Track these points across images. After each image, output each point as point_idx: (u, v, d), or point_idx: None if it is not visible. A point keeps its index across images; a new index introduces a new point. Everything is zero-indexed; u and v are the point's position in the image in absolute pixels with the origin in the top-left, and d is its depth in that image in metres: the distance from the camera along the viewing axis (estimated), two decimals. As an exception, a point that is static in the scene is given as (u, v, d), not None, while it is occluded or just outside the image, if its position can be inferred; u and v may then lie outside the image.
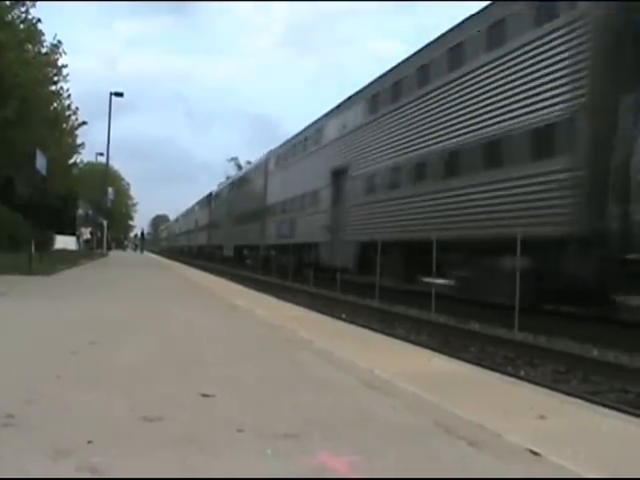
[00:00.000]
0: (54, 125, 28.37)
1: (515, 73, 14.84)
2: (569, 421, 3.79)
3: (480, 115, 16.19)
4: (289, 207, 32.94)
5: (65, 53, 26.95)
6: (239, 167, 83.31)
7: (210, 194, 64.66)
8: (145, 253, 66.33)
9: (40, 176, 19.35)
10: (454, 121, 17.45)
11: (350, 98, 26.16)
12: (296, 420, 3.41)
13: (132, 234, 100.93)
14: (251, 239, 40.70)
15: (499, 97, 15.45)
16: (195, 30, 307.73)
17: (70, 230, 46.44)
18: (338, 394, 4.16)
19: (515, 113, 14.75)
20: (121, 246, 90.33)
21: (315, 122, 31.03)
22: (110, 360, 5.10)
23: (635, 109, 11.92)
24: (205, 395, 3.87)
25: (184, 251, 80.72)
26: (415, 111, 19.96)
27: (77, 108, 32.25)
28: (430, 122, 18.88)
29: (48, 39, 26.25)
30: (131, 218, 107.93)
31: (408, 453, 2.95)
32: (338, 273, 23.29)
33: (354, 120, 25.05)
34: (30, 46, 25.09)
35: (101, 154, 51.31)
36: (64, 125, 31.47)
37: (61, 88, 29.29)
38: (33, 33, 25.08)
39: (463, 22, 17.54)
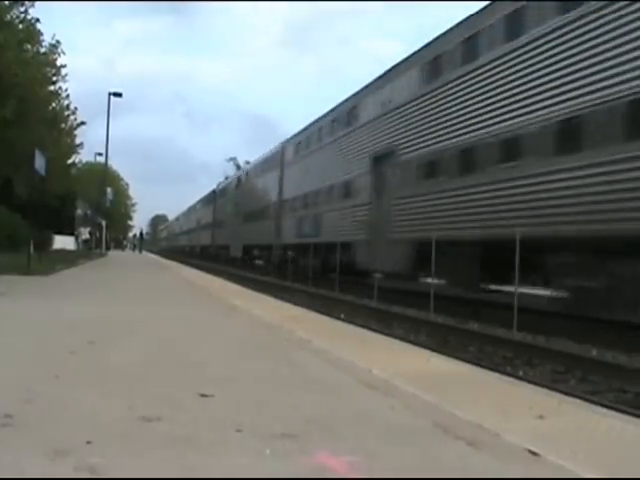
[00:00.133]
0: (53, 125, 28.32)
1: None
2: (568, 421, 3.79)
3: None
4: (312, 201, 29.11)
5: (64, 53, 26.92)
6: (238, 167, 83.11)
7: (214, 191, 61.69)
8: (144, 253, 66.25)
9: (39, 176, 19.32)
10: (574, 77, 13.06)
11: (396, 67, 21.64)
12: (295, 420, 3.41)
13: (131, 234, 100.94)
14: (263, 238, 37.23)
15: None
16: (194, 30, 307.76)
17: (69, 230, 46.36)
18: (337, 394, 4.16)
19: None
20: (120, 246, 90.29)
21: (344, 102, 26.67)
22: (109, 360, 5.10)
23: None
24: (204, 395, 3.87)
25: (185, 251, 78.27)
26: (504, 70, 15.37)
27: (76, 108, 32.25)
28: (533, 82, 14.23)
29: (47, 39, 26.24)
30: (130, 218, 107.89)
31: (407, 453, 2.94)
32: (378, 276, 20.20)
33: (404, 92, 20.38)
34: (29, 46, 25.04)
35: (100, 154, 51.22)
36: (63, 125, 31.43)
37: (60, 88, 29.26)
38: (32, 33, 25.03)
39: None
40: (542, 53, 14.12)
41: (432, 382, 4.77)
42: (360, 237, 22.69)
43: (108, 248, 58.28)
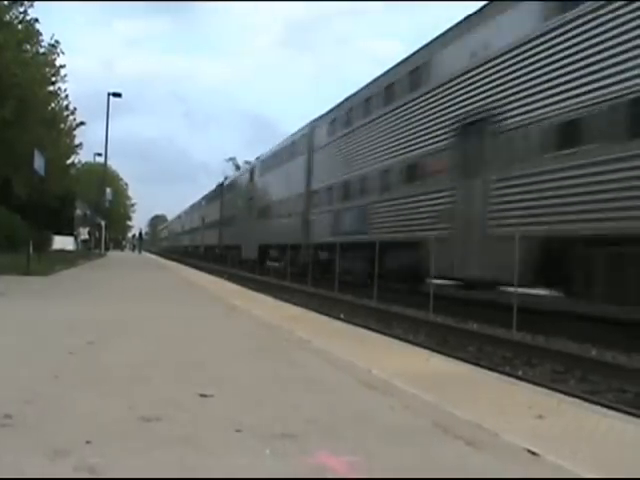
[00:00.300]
0: (52, 125, 28.31)
1: None
2: (567, 421, 3.79)
3: None
4: (355, 190, 23.73)
5: (63, 53, 26.91)
6: (237, 167, 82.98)
7: (221, 184, 56.57)
8: (143, 253, 66.22)
9: (38, 176, 19.33)
10: None
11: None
12: (295, 420, 3.41)
13: (130, 234, 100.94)
14: (285, 237, 30.96)
15: None
16: (193, 30, 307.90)
17: (68, 230, 46.32)
18: (336, 394, 4.16)
19: None
20: (119, 246, 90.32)
21: (404, 61, 20.81)
22: (108, 360, 5.10)
23: None
24: (203, 395, 3.87)
25: (188, 251, 74.22)
26: None
27: (75, 108, 32.26)
28: None
29: (46, 39, 26.24)
30: (129, 218, 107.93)
31: (407, 453, 2.95)
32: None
33: (515, 30, 14.76)
34: (28, 46, 25.03)
35: (99, 154, 51.19)
36: (62, 125, 31.44)
37: (59, 88, 29.26)
38: (31, 33, 25.01)
39: None
40: None
41: (431, 382, 4.77)
42: (436, 233, 16.73)
43: (107, 248, 58.27)
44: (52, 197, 30.91)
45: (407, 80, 20.22)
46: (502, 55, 15.24)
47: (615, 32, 11.88)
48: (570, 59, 12.91)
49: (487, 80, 15.72)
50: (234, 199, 47.85)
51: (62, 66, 27.63)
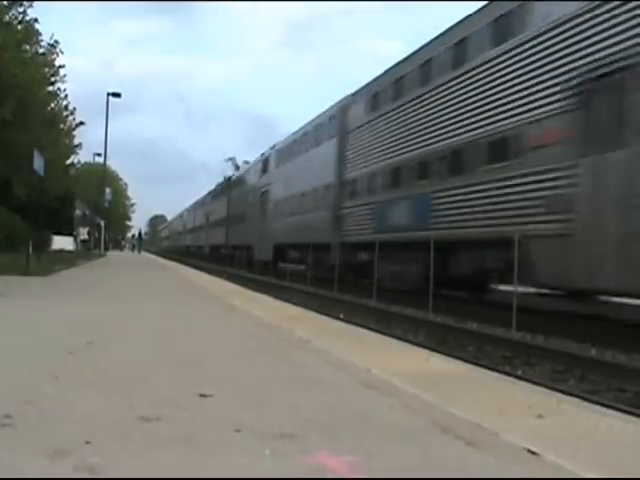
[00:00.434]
0: (51, 125, 28.31)
1: None
2: (567, 420, 3.79)
3: None
4: (411, 176, 19.49)
5: (62, 53, 26.91)
6: (237, 167, 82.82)
7: (229, 179, 53.28)
8: (143, 253, 66.19)
9: (38, 177, 19.33)
10: None
11: None
12: (294, 420, 3.41)
13: (130, 234, 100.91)
14: (309, 235, 26.79)
15: None
16: (193, 30, 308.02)
17: (68, 230, 46.36)
18: (336, 394, 4.16)
19: None
20: (118, 246, 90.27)
21: (484, 8, 16.53)
22: (108, 360, 5.10)
23: None
24: (203, 395, 3.87)
25: (190, 252, 71.13)
26: None
27: (74, 108, 32.26)
28: None
29: (45, 39, 26.24)
30: (129, 218, 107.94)
31: (406, 452, 2.95)
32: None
33: None
34: (27, 46, 25.03)
35: (99, 154, 51.20)
36: (61, 125, 31.43)
37: (58, 88, 29.27)
38: (30, 33, 25.00)
39: None
40: None
41: (431, 381, 4.77)
42: (545, 229, 13.03)
43: (107, 248, 58.23)
44: (52, 197, 30.89)
45: (490, 31, 15.97)
46: None
47: None
48: None
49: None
50: (244, 194, 43.61)
51: (61, 66, 27.66)
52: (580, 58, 12.51)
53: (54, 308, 9.26)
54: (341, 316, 14.17)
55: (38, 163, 18.04)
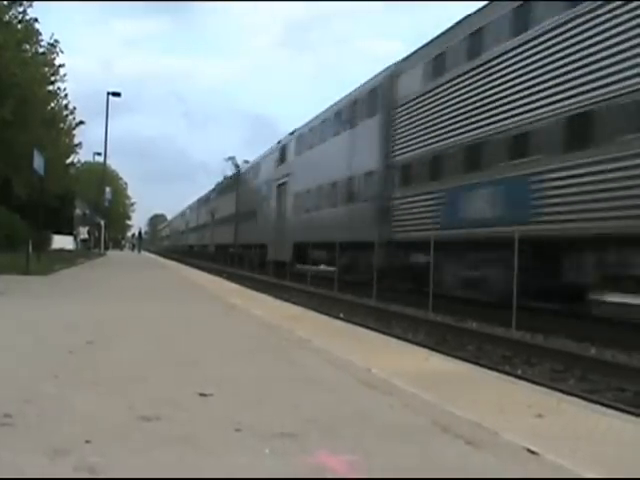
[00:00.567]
0: (51, 125, 28.29)
1: None
2: (566, 420, 3.79)
3: None
4: (499, 154, 15.19)
5: (62, 52, 26.89)
6: (236, 166, 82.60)
7: (237, 172, 49.06)
8: (143, 253, 66.15)
9: (37, 176, 19.33)
10: None
11: None
12: (294, 419, 3.41)
13: (129, 234, 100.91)
14: (343, 231, 22.67)
15: None
16: (193, 30, 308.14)
17: (68, 230, 46.36)
18: (336, 393, 4.17)
19: None
20: (118, 246, 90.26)
21: None
22: (108, 359, 5.10)
23: None
24: (203, 394, 3.87)
25: (193, 251, 68.18)
26: None
27: (74, 108, 32.23)
28: None
29: (45, 39, 26.23)
30: (129, 218, 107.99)
31: (406, 452, 2.95)
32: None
33: None
34: (27, 46, 25.01)
35: (98, 154, 51.15)
36: (61, 125, 31.41)
37: (58, 88, 29.24)
38: (30, 33, 24.99)
39: None
40: None
41: (431, 381, 4.77)
42: None
43: (107, 248, 58.22)
44: (52, 196, 30.88)
45: None
46: None
47: None
48: None
49: None
50: (255, 188, 39.67)
51: (61, 65, 27.63)
52: None
53: (54, 307, 9.26)
54: (341, 315, 14.18)
55: (38, 162, 18.04)
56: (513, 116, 14.69)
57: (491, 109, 15.57)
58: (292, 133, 33.31)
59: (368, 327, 10.79)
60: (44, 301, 10.41)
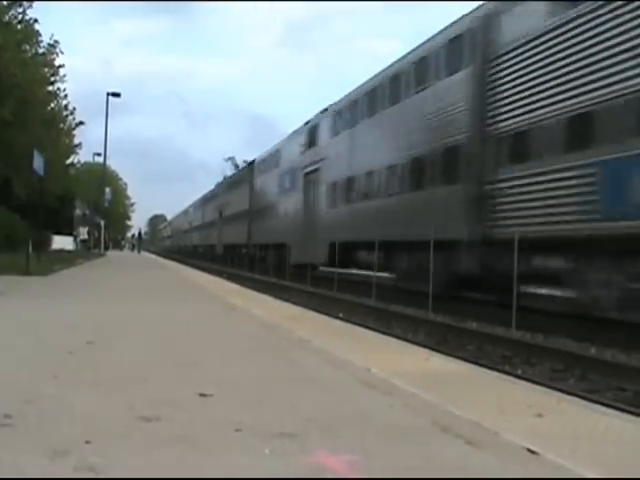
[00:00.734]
0: (51, 125, 28.32)
1: None
2: (566, 419, 3.79)
3: None
4: None
5: (62, 53, 26.93)
6: (236, 166, 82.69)
7: (252, 162, 42.77)
8: (143, 253, 66.13)
9: (37, 176, 19.33)
10: None
11: None
12: (294, 419, 3.41)
13: (129, 234, 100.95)
14: (407, 227, 17.98)
15: None
16: (193, 30, 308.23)
17: (67, 230, 46.38)
18: (336, 393, 4.17)
19: None
20: (118, 246, 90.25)
21: None
22: (108, 360, 5.10)
23: None
24: (203, 395, 3.87)
25: (198, 252, 63.78)
26: None
27: (74, 108, 32.27)
28: None
29: (45, 39, 26.25)
30: (128, 218, 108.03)
31: (406, 452, 2.95)
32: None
33: None
34: (27, 46, 25.04)
35: (98, 154, 51.16)
36: (61, 125, 31.43)
37: (58, 88, 29.28)
38: (30, 33, 25.02)
39: None
40: None
41: (431, 381, 4.77)
42: None
43: (107, 248, 58.22)
44: (51, 197, 30.90)
45: None
46: None
47: None
48: None
49: None
50: (275, 179, 34.28)
51: (61, 66, 27.68)
52: None
53: (54, 308, 9.26)
54: (341, 315, 14.17)
55: (38, 163, 18.04)
56: None
57: None
58: (324, 111, 27.69)
59: (368, 327, 10.79)
60: (44, 301, 10.41)
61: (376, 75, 22.43)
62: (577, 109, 12.42)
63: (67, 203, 44.38)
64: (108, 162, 54.07)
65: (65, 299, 10.98)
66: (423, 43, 19.21)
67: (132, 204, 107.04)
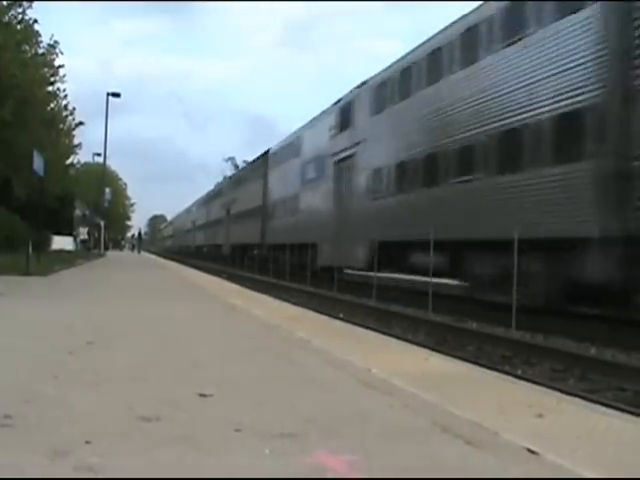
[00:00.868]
0: (51, 126, 28.34)
1: None
2: (566, 419, 3.79)
3: None
4: None
5: (62, 53, 26.96)
6: (236, 167, 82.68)
7: (266, 152, 37.93)
8: (142, 253, 66.12)
9: (37, 177, 19.34)
10: None
11: None
12: (294, 419, 3.41)
13: (129, 234, 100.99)
14: (489, 222, 14.50)
15: None
16: (192, 30, 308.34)
17: (67, 230, 46.35)
18: (336, 393, 4.17)
19: None
20: (118, 246, 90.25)
21: None
22: (108, 360, 5.10)
23: None
24: (203, 395, 3.87)
25: (202, 252, 60.85)
26: None
27: (74, 109, 32.32)
28: None
29: (45, 39, 26.26)
30: (128, 218, 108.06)
31: (406, 452, 2.95)
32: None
33: None
34: (27, 47, 25.05)
35: (98, 154, 51.18)
36: (61, 126, 31.47)
37: (58, 89, 29.31)
38: (30, 34, 25.03)
39: None
40: None
41: (431, 381, 4.77)
42: None
43: (106, 248, 58.21)
44: (51, 197, 30.90)
45: None
46: None
47: None
48: None
49: None
50: (297, 170, 29.99)
51: (61, 66, 27.70)
52: None
53: (54, 308, 9.26)
54: (341, 316, 14.17)
55: (38, 163, 18.05)
56: None
57: None
58: (360, 85, 23.29)
59: (368, 327, 10.78)
60: (44, 302, 10.41)
61: (440, 31, 17.86)
62: None
63: (67, 203, 44.37)
64: (108, 162, 54.14)
65: (65, 299, 10.98)
66: None
67: (132, 204, 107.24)
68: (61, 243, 41.74)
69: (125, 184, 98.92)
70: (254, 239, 37.52)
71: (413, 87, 18.97)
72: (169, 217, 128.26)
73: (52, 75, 27.56)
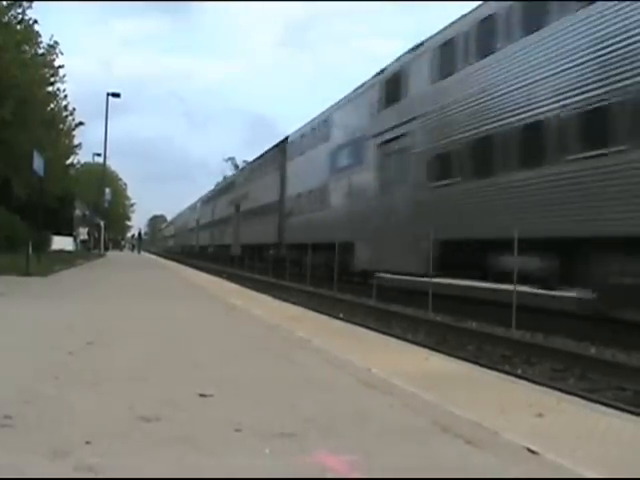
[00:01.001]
0: (51, 126, 28.34)
1: None
2: (566, 419, 3.79)
3: None
4: None
5: (62, 53, 26.96)
6: (236, 167, 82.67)
7: (283, 141, 33.73)
8: (143, 254, 66.10)
9: (37, 177, 19.33)
10: None
11: None
12: (294, 419, 3.41)
13: (129, 234, 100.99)
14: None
15: None
16: (192, 30, 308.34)
17: (67, 231, 46.34)
18: (336, 393, 4.17)
19: None
20: (118, 246, 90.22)
21: None
22: (108, 360, 5.10)
23: None
24: (203, 395, 3.87)
25: (207, 253, 57.75)
26: None
27: (74, 109, 32.32)
28: None
29: (45, 40, 26.26)
30: (128, 218, 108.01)
31: (406, 452, 2.95)
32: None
33: None
34: (27, 47, 25.05)
35: (98, 154, 51.16)
36: (61, 126, 31.46)
37: (58, 89, 29.31)
38: (30, 34, 25.03)
39: None
40: None
41: (431, 381, 4.77)
42: None
43: (106, 248, 58.20)
44: (51, 197, 30.88)
45: None
46: None
47: None
48: None
49: None
50: (324, 157, 25.84)
51: (61, 66, 27.70)
52: None
53: (54, 308, 9.26)
54: (341, 315, 14.16)
55: (38, 163, 18.04)
56: None
57: None
58: (415, 48, 18.77)
59: (368, 327, 10.78)
60: (44, 302, 10.41)
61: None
62: None
63: (67, 203, 44.34)
64: (108, 162, 54.07)
65: (65, 299, 10.98)
66: None
67: (132, 204, 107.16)
68: (61, 243, 41.72)
69: (125, 184, 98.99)
70: (269, 238, 33.62)
71: (500, 39, 14.28)
72: (169, 217, 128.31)
73: (52, 75, 27.56)
